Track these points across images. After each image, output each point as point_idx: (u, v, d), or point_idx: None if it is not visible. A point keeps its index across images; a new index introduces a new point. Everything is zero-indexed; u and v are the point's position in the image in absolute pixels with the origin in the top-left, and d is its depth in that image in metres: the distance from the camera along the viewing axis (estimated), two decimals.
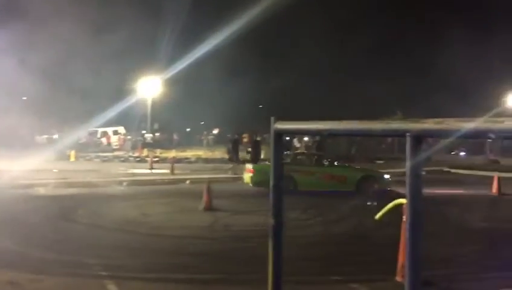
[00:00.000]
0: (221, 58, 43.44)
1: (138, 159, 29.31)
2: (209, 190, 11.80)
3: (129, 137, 41.76)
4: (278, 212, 2.03)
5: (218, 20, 36.83)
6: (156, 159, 26.60)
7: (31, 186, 15.23)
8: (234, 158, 20.86)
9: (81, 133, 36.59)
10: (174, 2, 40.25)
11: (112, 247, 7.98)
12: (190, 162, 27.47)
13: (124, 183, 16.69)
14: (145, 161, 25.92)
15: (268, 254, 2.02)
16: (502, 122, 1.18)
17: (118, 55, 36.81)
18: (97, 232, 9.28)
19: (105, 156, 30.50)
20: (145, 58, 43.66)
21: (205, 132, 47.98)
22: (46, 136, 41.34)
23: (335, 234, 9.46)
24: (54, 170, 20.03)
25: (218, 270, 6.85)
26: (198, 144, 42.54)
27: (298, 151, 23.68)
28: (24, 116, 34.46)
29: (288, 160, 15.95)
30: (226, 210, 11.67)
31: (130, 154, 32.70)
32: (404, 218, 1.55)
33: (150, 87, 44.56)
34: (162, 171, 21.08)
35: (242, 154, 23.28)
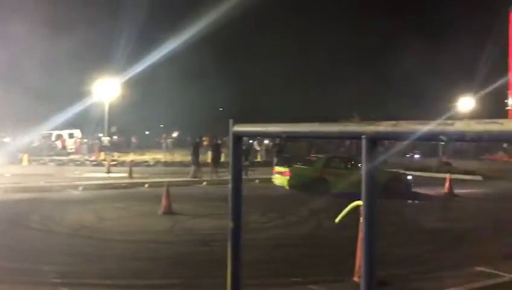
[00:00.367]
0: (181, 61, 43.17)
1: (95, 162, 28.64)
2: (168, 194, 11.65)
3: (85, 140, 40.73)
4: (236, 215, 2.02)
5: (177, 22, 36.55)
6: (114, 162, 26.07)
7: None
8: (194, 161, 20.70)
9: (34, 136, 35.36)
10: (132, 4, 39.63)
11: (66, 253, 7.75)
12: (149, 166, 27.06)
13: (80, 188, 16.25)
14: (102, 165, 25.35)
15: (227, 258, 2.01)
16: (452, 124, 1.22)
17: (74, 56, 35.92)
18: (51, 238, 8.99)
19: (60, 160, 29.61)
20: (102, 59, 42.83)
21: (164, 135, 47.35)
22: None
23: (294, 237, 9.54)
24: (6, 175, 19.30)
25: (177, 275, 6.76)
26: (158, 147, 41.96)
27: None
28: None
29: (320, 163, 16.55)
30: (185, 214, 11.56)
31: (87, 157, 31.90)
32: (361, 219, 1.58)
33: (107, 89, 43.60)
34: (120, 175, 20.67)
35: (203, 158, 23.15)
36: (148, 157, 32.00)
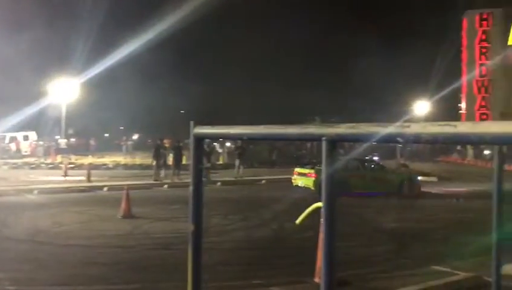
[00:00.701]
0: (142, 63, 42.56)
1: (51, 165, 27.78)
2: (128, 197, 11.44)
3: (41, 143, 39.47)
4: (197, 218, 2.00)
5: (138, 23, 36.04)
6: (71, 165, 25.38)
7: None
8: (161, 164, 20.43)
9: None
10: (91, 4, 38.78)
11: (21, 259, 7.48)
12: (108, 169, 26.50)
13: (35, 192, 15.72)
14: (59, 168, 24.62)
15: (187, 261, 1.99)
16: (409, 127, 1.25)
17: (30, 56, 34.77)
18: (5, 244, 8.64)
19: (14, 163, 28.56)
20: (60, 60, 41.68)
21: (125, 137, 46.56)
22: None
23: (256, 239, 9.55)
24: None
25: (135, 279, 6.64)
26: (118, 150, 41.17)
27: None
28: None
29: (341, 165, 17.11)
30: (145, 217, 11.38)
31: (42, 160, 30.91)
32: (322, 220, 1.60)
33: (64, 90, 42.37)
34: (78, 178, 20.13)
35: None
36: (107, 160, 31.31)
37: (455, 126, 1.16)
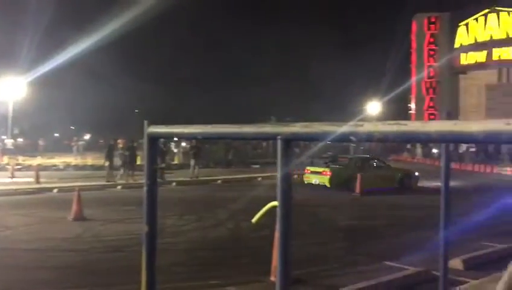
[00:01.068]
0: (93, 62, 41.41)
1: None
2: (79, 199, 11.12)
3: None
4: (151, 219, 1.97)
5: (88, 22, 35.05)
6: (18, 166, 24.40)
7: None
8: (108, 164, 19.94)
9: None
10: (38, 1, 37.38)
11: None
12: (58, 170, 25.66)
13: None
14: (6, 169, 23.60)
15: (141, 263, 1.95)
16: (362, 126, 1.27)
17: None
18: None
19: None
20: (5, 58, 39.91)
21: (75, 138, 45.17)
22: None
23: (212, 239, 9.51)
24: None
25: (86, 283, 6.45)
26: (68, 151, 39.92)
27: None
28: None
29: (352, 163, 18.75)
30: (98, 219, 11.09)
31: None
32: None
33: (10, 89, 40.64)
34: (26, 179, 19.36)
35: (116, 160, 22.38)
36: (57, 160, 30.30)
37: (405, 125, 1.19)
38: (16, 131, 43.51)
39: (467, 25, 42.50)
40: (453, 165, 27.03)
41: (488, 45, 40.63)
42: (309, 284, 6.39)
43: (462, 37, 42.94)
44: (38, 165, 22.96)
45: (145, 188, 1.97)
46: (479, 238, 8.95)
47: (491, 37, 40.49)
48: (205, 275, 6.82)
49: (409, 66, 47.99)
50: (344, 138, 1.35)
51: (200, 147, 23.80)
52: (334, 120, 1.38)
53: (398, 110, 49.24)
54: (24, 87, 41.29)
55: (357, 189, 16.79)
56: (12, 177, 20.49)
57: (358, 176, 16.97)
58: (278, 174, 1.47)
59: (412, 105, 48.08)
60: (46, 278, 6.64)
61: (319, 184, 17.86)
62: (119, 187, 18.07)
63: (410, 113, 47.97)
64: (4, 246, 8.38)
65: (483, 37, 41.15)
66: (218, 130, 1.70)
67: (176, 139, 26.55)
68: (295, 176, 17.80)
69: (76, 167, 26.92)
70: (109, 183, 18.80)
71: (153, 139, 1.98)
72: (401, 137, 1.23)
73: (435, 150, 38.10)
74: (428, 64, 45.56)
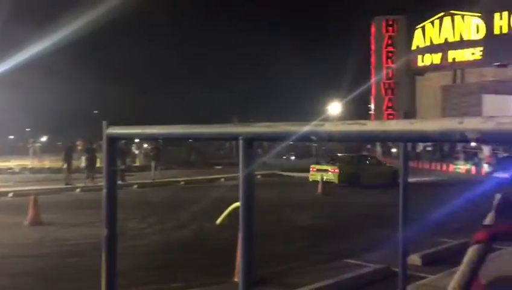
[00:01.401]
0: (49, 64, 40.24)
1: None
2: (36, 203, 10.77)
3: None
4: (111, 222, 1.92)
5: (45, 22, 34.03)
6: None
7: None
8: (67, 167, 19.42)
9: None
10: None
11: None
12: (14, 173, 24.81)
13: None
14: None
15: (101, 267, 1.90)
16: (323, 125, 1.29)
17: None
18: None
19: None
20: None
21: (32, 140, 43.69)
22: None
23: (175, 241, 9.40)
24: None
25: None
26: (24, 153, 38.61)
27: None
28: None
29: (355, 160, 20.80)
30: (56, 224, 10.78)
31: None
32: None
33: None
34: None
35: (76, 163, 21.93)
36: (12, 163, 29.31)
37: (365, 124, 1.21)
38: None
39: (423, 28, 43.73)
40: (411, 164, 27.81)
41: (443, 48, 41.93)
42: (272, 284, 6.42)
43: (418, 40, 44.15)
44: None
45: (104, 191, 1.93)
46: (437, 234, 9.22)
47: (446, 39, 41.82)
48: (168, 278, 6.74)
49: (369, 67, 49.00)
50: (306, 138, 1.36)
51: (161, 148, 23.51)
52: (295, 120, 1.39)
53: (358, 110, 50.25)
54: None
55: (319, 189, 17.02)
56: None
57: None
58: (240, 175, 1.47)
59: (372, 105, 49.10)
60: (5, 285, 6.39)
61: (326, 181, 18.26)
62: (77, 190, 17.63)
63: (370, 113, 48.97)
64: None
65: (438, 40, 42.43)
66: (179, 130, 1.68)
67: (137, 140, 26.13)
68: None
69: (33, 170, 26.12)
70: (68, 186, 18.31)
71: (112, 140, 1.94)
72: (360, 136, 1.25)
73: (393, 150, 39.04)
74: (387, 65, 46.63)
